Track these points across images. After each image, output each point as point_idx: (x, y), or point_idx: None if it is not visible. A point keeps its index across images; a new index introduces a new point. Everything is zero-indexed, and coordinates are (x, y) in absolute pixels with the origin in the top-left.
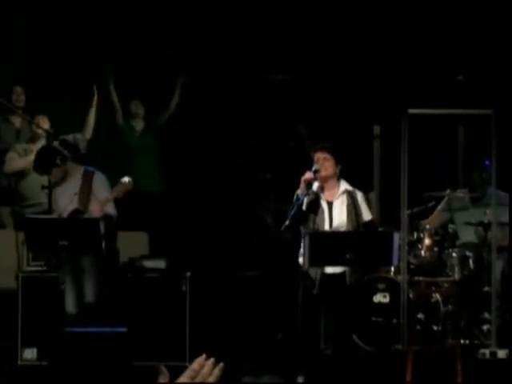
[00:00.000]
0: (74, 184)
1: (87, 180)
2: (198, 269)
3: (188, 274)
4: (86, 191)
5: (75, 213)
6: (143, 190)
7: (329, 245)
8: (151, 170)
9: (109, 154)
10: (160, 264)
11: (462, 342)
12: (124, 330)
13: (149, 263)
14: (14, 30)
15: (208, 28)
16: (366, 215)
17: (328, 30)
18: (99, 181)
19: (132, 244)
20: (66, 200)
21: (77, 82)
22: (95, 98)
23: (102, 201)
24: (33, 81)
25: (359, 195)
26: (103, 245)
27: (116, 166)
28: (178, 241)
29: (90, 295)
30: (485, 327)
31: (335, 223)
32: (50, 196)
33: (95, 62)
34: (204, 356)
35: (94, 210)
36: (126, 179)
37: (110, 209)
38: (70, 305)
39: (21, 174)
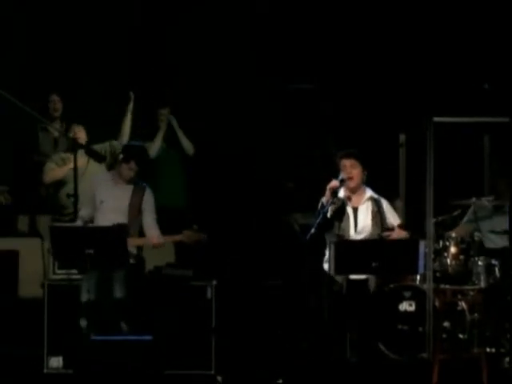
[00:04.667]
0: (123, 194)
1: (138, 194)
2: (224, 277)
3: (214, 282)
4: (136, 206)
5: (121, 227)
6: (168, 205)
7: (354, 253)
8: (177, 184)
9: None
10: (186, 272)
11: (487, 350)
12: (149, 338)
13: (175, 271)
14: (14, 35)
15: (205, 31)
16: (395, 220)
17: (357, 38)
18: (149, 198)
19: (158, 252)
20: (110, 206)
21: (113, 87)
22: (131, 104)
23: (158, 238)
24: (68, 88)
25: (384, 203)
26: (129, 253)
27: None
28: (203, 249)
29: (119, 292)
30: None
31: (359, 227)
32: (75, 204)
33: (106, 69)
34: None
35: (135, 243)
36: (196, 227)
37: (159, 240)
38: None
39: (59, 184)
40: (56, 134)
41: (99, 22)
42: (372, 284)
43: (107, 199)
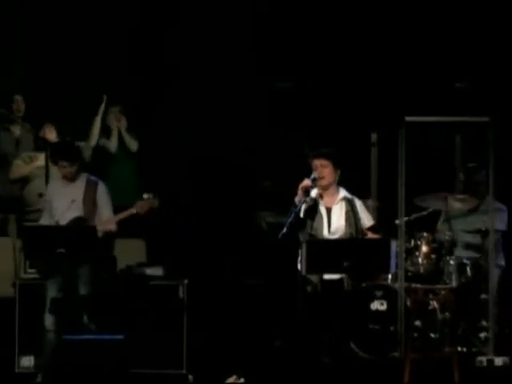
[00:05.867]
0: (75, 190)
1: (91, 189)
2: (195, 276)
3: (185, 281)
4: (90, 200)
5: (79, 221)
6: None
7: (326, 252)
8: (129, 180)
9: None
10: (157, 271)
11: (459, 349)
12: (121, 337)
13: (146, 270)
14: (14, 36)
15: (205, 31)
16: (368, 221)
17: (324, 37)
18: (103, 192)
19: (129, 251)
20: (64, 205)
21: (85, 89)
22: (102, 106)
23: (110, 219)
24: (38, 88)
25: (358, 203)
26: (100, 252)
27: (94, 174)
28: (175, 248)
29: (83, 289)
30: (482, 335)
31: (333, 228)
32: None
33: (106, 69)
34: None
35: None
36: (148, 195)
37: (112, 225)
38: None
39: (24, 181)
40: (18, 133)
41: (99, 22)
42: (346, 284)
43: (61, 199)
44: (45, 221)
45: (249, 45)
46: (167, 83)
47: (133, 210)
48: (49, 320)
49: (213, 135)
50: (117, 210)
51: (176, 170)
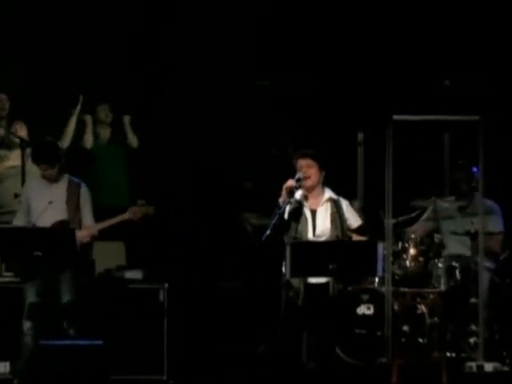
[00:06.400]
0: (56, 191)
1: (74, 191)
2: (176, 280)
3: (166, 284)
4: (73, 203)
5: (62, 224)
6: (109, 205)
7: (311, 255)
8: (120, 182)
9: (69, 163)
10: (137, 275)
11: (448, 355)
12: (100, 342)
13: (125, 274)
14: (14, 36)
15: (205, 32)
16: (355, 221)
17: (311, 37)
18: (86, 195)
19: (108, 254)
20: (42, 205)
21: (61, 89)
22: (78, 107)
23: (92, 226)
24: (16, 87)
25: (344, 203)
26: (79, 256)
27: (78, 176)
28: (155, 251)
29: (66, 296)
30: (472, 340)
31: (318, 231)
32: None
33: (83, 69)
34: None
35: (82, 235)
36: (142, 201)
37: (95, 232)
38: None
39: None
40: (2, 132)
41: (99, 22)
42: (332, 288)
43: (40, 199)
44: (19, 221)
45: (248, 45)
46: (167, 83)
47: (125, 216)
48: (27, 325)
49: (209, 135)
50: (107, 210)
51: (163, 170)
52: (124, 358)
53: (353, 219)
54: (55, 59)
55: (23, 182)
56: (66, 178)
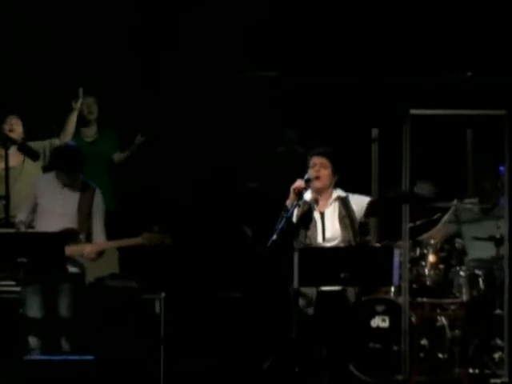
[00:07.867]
0: (67, 194)
1: (87, 196)
2: (174, 289)
3: (162, 294)
4: (85, 209)
5: (70, 233)
6: None
7: (321, 262)
8: (104, 185)
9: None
10: (130, 284)
11: (470, 371)
12: (91, 357)
13: (118, 283)
14: (14, 37)
15: (205, 31)
16: (363, 206)
17: (323, 27)
18: (100, 202)
19: (100, 261)
20: (50, 207)
21: (60, 84)
22: (79, 101)
23: (102, 244)
24: (37, 88)
25: (353, 199)
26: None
27: None
28: (151, 257)
29: (65, 310)
30: (496, 355)
31: (328, 234)
32: (6, 207)
33: (83, 64)
34: None
35: (89, 251)
36: (158, 228)
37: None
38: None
39: None
40: None
41: (99, 22)
42: (350, 296)
43: (53, 204)
44: (23, 216)
45: (237, 43)
46: (167, 83)
47: (138, 241)
48: (33, 342)
49: (190, 132)
50: None
51: (162, 171)
52: (118, 374)
53: (360, 206)
54: (55, 59)
55: (7, 184)
56: (79, 180)
